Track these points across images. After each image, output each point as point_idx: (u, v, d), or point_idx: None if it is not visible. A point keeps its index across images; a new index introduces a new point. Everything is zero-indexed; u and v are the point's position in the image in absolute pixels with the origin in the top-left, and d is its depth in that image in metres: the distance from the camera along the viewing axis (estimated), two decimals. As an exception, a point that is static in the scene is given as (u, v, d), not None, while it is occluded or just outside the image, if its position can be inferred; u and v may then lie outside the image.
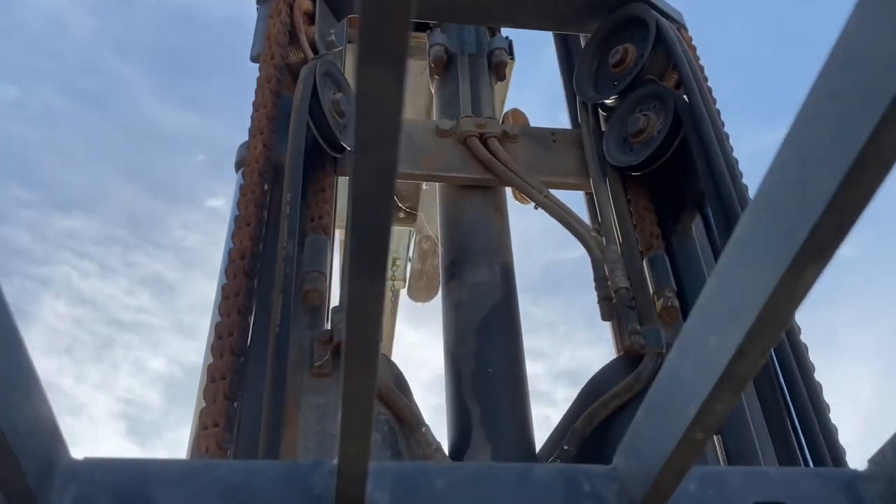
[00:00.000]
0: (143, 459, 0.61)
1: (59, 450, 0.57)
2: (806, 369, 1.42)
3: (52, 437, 0.55)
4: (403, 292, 5.14)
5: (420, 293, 4.90)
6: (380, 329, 0.42)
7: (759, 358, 0.43)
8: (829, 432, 1.35)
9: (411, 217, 4.15)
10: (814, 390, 1.39)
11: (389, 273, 4.96)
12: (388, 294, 5.01)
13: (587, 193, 2.09)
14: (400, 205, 3.64)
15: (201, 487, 0.58)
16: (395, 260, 4.90)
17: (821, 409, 1.36)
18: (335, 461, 0.54)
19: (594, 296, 1.79)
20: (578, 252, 1.90)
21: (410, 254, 4.87)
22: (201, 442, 1.23)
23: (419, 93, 2.79)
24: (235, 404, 1.32)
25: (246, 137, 1.71)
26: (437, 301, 2.17)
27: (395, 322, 5.18)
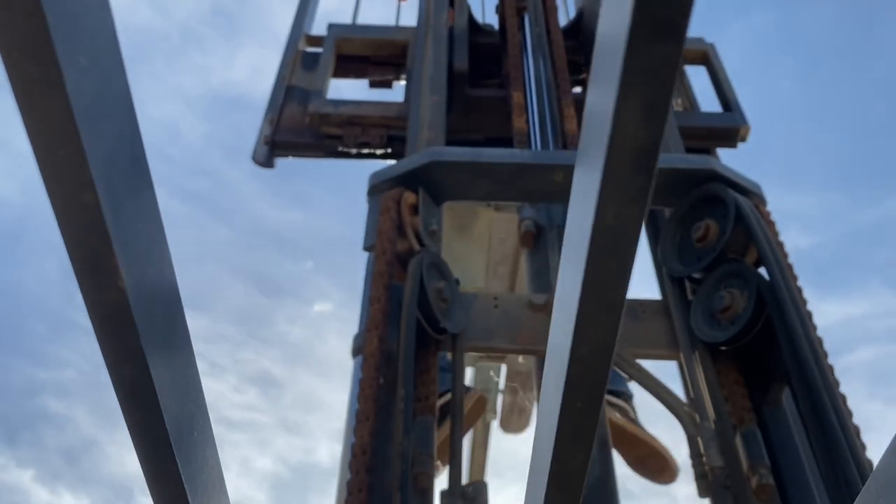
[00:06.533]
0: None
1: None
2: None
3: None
4: (495, 423, 5.18)
5: (513, 424, 4.91)
6: None
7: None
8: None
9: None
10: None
11: (481, 406, 5.04)
12: (480, 427, 5.07)
13: (679, 364, 2.19)
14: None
15: None
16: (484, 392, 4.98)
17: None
18: None
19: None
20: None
21: (501, 387, 4.94)
22: None
23: (503, 260, 2.98)
24: None
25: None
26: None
27: (486, 456, 5.20)
